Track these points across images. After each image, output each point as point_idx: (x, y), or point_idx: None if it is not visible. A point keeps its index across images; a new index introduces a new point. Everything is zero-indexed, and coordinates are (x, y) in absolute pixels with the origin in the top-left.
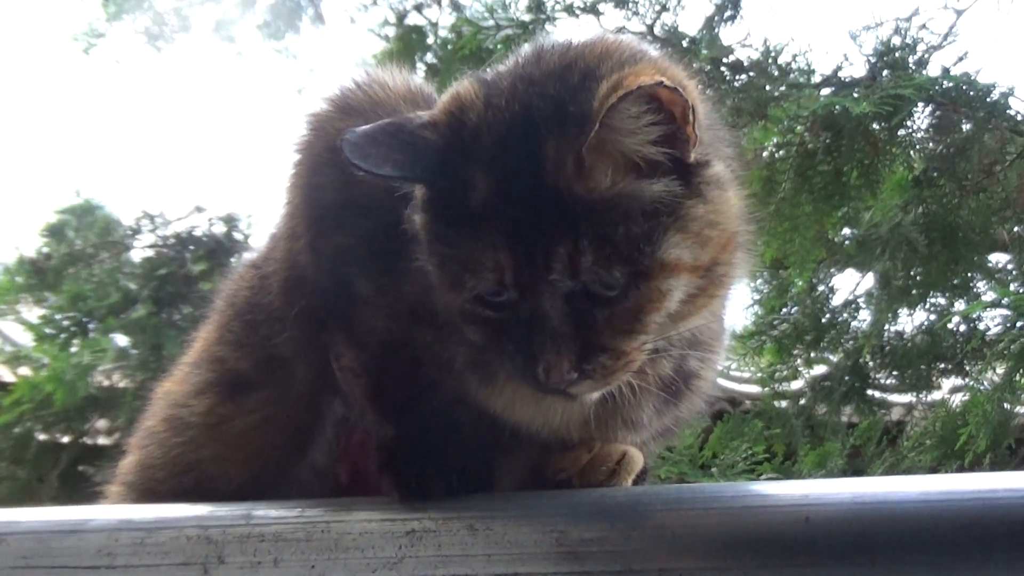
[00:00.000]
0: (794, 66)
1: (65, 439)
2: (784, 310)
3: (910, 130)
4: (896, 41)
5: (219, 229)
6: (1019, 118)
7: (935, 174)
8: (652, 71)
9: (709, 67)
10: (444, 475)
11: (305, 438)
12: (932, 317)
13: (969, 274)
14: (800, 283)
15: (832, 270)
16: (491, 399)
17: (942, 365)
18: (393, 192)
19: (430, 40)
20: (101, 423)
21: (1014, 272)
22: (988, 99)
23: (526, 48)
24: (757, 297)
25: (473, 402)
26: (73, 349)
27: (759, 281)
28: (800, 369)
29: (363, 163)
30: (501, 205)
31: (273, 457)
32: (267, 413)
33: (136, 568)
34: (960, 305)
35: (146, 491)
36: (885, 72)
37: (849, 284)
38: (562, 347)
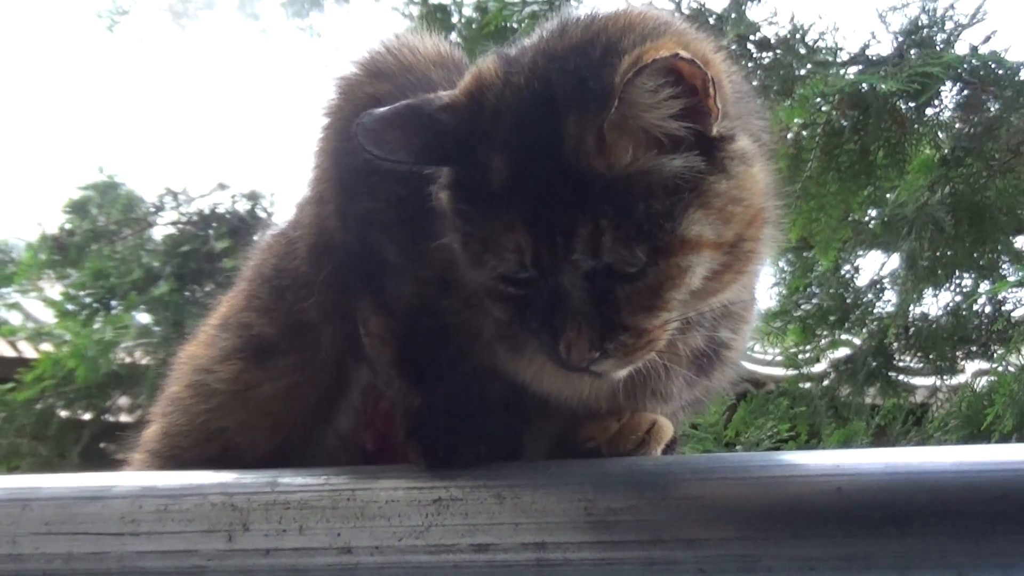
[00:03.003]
0: (821, 44)
1: (87, 416)
2: (808, 290)
3: (937, 109)
4: (924, 19)
5: (242, 206)
6: None
7: (962, 154)
8: (672, 44)
9: (736, 45)
10: (471, 443)
11: (331, 405)
12: (958, 298)
13: (995, 255)
14: (825, 263)
15: (857, 250)
16: (520, 369)
17: (967, 348)
18: None
19: (455, 19)
20: (123, 400)
21: None
22: (1017, 78)
23: (551, 21)
24: (781, 277)
25: (501, 371)
26: (95, 326)
27: (783, 262)
28: (824, 350)
29: (378, 150)
30: (520, 185)
31: (299, 424)
32: (293, 379)
33: (160, 535)
34: (986, 287)
35: (171, 458)
36: (913, 50)
37: (874, 265)
38: (583, 326)
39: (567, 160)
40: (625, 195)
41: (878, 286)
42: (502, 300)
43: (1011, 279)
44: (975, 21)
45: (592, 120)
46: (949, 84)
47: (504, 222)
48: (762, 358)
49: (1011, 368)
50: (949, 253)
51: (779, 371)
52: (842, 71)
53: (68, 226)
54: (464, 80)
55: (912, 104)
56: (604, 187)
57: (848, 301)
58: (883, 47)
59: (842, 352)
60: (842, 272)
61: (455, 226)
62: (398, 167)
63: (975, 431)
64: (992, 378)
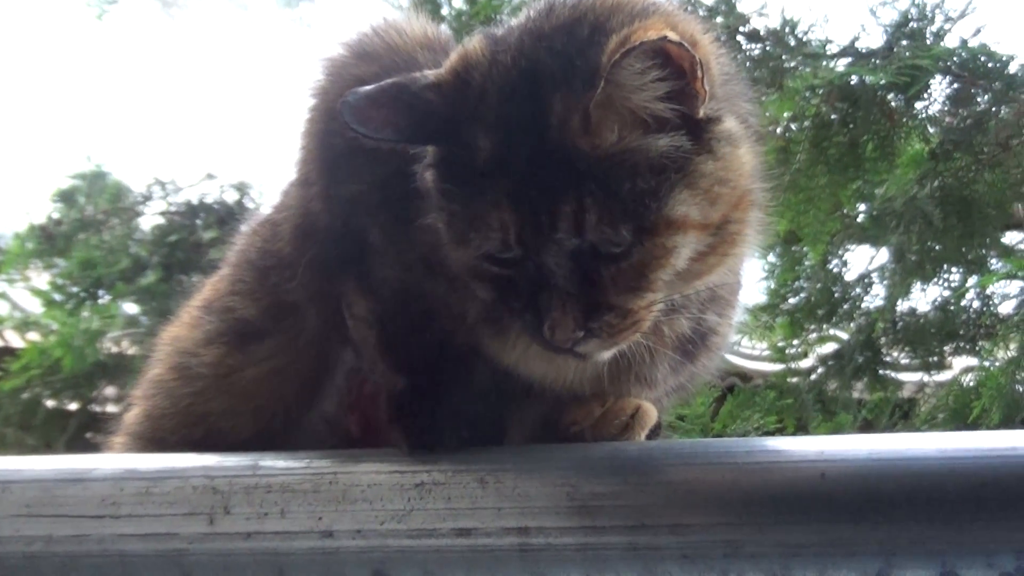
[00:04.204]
0: (811, 36)
1: (73, 405)
2: (796, 284)
3: (927, 102)
4: (914, 12)
5: (231, 196)
6: None
7: (951, 148)
8: (661, 25)
9: (725, 36)
10: (455, 427)
11: (315, 388)
12: (946, 293)
13: (984, 250)
14: (813, 257)
15: (846, 244)
16: (504, 352)
17: (955, 343)
18: None
19: (444, 10)
20: (109, 390)
21: None
22: (1006, 71)
23: (539, 1)
24: (769, 271)
25: (485, 355)
26: (83, 315)
27: (771, 255)
28: (812, 345)
29: (363, 128)
30: (506, 163)
31: (283, 408)
32: (277, 363)
33: (141, 518)
34: (974, 281)
35: (153, 441)
36: (903, 42)
37: (863, 259)
38: (567, 305)
39: (552, 139)
40: (610, 174)
41: (866, 280)
42: (486, 280)
43: (1002, 271)
44: (965, 14)
45: (578, 100)
46: (939, 77)
47: (489, 200)
48: (750, 352)
49: (998, 363)
50: (938, 247)
51: (767, 365)
52: (831, 63)
53: (56, 215)
54: (450, 59)
55: (901, 97)
56: (589, 166)
57: (836, 295)
58: (873, 39)
59: (830, 347)
60: (830, 266)
61: (440, 205)
62: (383, 145)
63: (962, 424)
64: (980, 373)
